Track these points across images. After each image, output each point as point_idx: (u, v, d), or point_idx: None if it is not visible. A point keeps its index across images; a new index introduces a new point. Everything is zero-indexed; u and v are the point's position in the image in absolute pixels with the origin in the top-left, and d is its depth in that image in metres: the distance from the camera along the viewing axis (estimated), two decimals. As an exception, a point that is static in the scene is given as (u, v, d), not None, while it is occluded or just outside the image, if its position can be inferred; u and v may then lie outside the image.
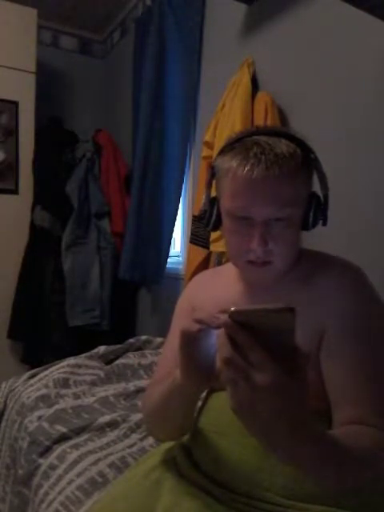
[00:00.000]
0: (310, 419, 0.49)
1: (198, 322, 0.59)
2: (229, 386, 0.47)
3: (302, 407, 0.48)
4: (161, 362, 0.89)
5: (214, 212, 0.77)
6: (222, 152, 0.74)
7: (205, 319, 0.58)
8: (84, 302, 2.60)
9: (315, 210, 0.73)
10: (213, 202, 0.77)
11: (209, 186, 0.79)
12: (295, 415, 0.47)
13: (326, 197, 0.75)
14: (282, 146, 0.69)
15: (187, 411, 0.74)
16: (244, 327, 0.46)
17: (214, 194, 0.78)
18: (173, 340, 0.86)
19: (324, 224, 0.76)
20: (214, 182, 0.78)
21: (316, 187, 0.76)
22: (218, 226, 0.78)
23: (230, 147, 0.72)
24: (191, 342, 0.61)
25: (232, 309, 0.46)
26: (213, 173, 0.77)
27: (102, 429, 1.20)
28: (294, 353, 0.47)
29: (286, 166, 0.67)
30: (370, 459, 0.58)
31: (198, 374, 0.63)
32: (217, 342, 0.49)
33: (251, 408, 0.46)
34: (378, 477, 0.60)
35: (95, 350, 1.79)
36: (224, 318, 0.50)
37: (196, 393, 0.69)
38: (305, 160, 0.71)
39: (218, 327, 0.55)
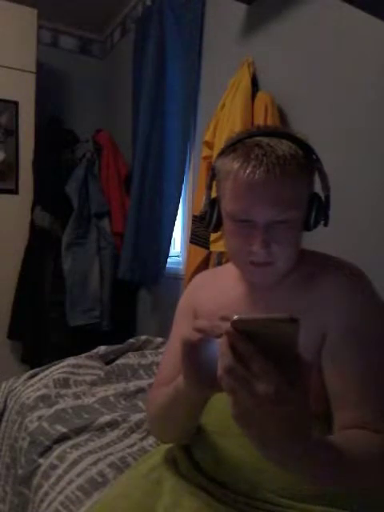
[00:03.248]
0: (312, 427, 0.49)
1: (199, 330, 0.59)
2: (230, 395, 0.47)
3: (304, 417, 0.48)
4: (162, 365, 0.88)
5: (215, 213, 0.76)
6: (223, 153, 0.73)
7: (205, 328, 0.57)
8: (84, 302, 2.60)
9: (317, 211, 0.73)
10: (213, 202, 0.77)
11: (209, 187, 0.79)
12: (297, 425, 0.47)
13: (327, 197, 0.74)
14: (284, 147, 0.68)
15: (191, 417, 0.74)
16: (246, 336, 0.46)
17: (214, 194, 0.78)
18: (174, 342, 0.86)
19: (325, 225, 0.75)
20: (214, 183, 0.78)
21: (317, 187, 0.75)
22: (218, 226, 0.78)
23: (230, 148, 0.71)
24: (193, 351, 0.60)
25: (235, 317, 0.46)
26: (213, 174, 0.76)
27: (102, 429, 1.20)
28: (296, 362, 0.46)
29: (288, 167, 0.66)
30: (371, 464, 0.58)
31: (201, 382, 0.62)
32: (218, 350, 0.49)
33: (252, 417, 0.46)
34: (380, 480, 0.60)
35: (95, 350, 1.79)
36: (225, 325, 0.50)
37: (200, 399, 0.69)
38: (306, 161, 0.70)
39: (218, 336, 0.54)
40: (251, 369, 0.45)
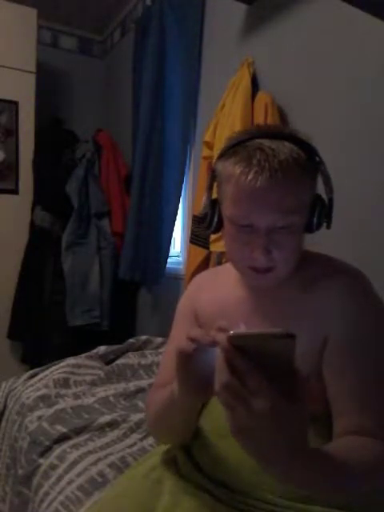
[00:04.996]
0: (308, 441, 0.49)
1: (193, 340, 0.59)
2: (227, 410, 0.47)
3: (301, 431, 0.48)
4: (162, 366, 0.88)
5: (215, 215, 0.75)
6: (223, 155, 0.71)
7: (199, 338, 0.57)
8: (84, 302, 2.59)
9: (319, 214, 0.71)
10: (214, 204, 0.76)
11: (209, 188, 0.77)
12: (294, 440, 0.47)
13: (330, 200, 0.73)
14: (286, 150, 0.66)
15: (188, 420, 0.74)
16: (242, 351, 0.46)
17: (214, 195, 0.77)
18: (174, 344, 0.86)
19: (328, 227, 0.74)
20: (214, 185, 0.76)
21: (320, 188, 0.74)
22: (219, 228, 0.76)
23: (231, 150, 0.69)
24: (188, 361, 0.60)
25: (230, 332, 0.46)
26: (214, 176, 0.75)
27: (102, 429, 1.20)
28: (292, 377, 0.47)
29: (290, 173, 0.65)
30: (369, 474, 0.58)
31: (195, 390, 0.63)
32: (215, 360, 0.49)
33: (249, 433, 0.46)
34: (379, 488, 0.60)
35: (95, 350, 1.79)
36: (219, 336, 0.50)
37: (195, 406, 0.69)
38: (309, 164, 0.68)
39: (211, 345, 0.55)
40: (248, 385, 0.46)
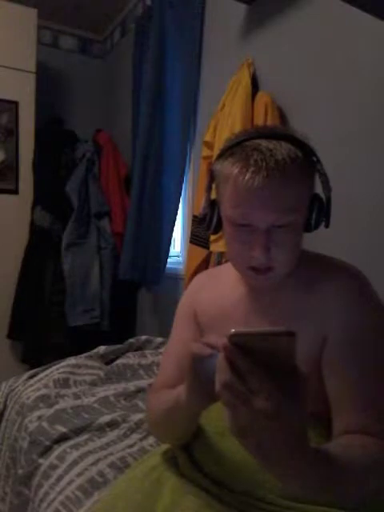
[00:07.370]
0: (309, 439, 0.49)
1: (209, 345, 0.59)
2: (228, 409, 0.47)
3: (302, 430, 0.48)
4: (162, 366, 0.88)
5: (215, 215, 0.76)
6: (222, 156, 0.72)
7: (216, 344, 0.57)
8: (84, 302, 2.60)
9: (318, 213, 0.72)
10: (213, 204, 0.76)
11: (209, 189, 0.78)
12: (295, 438, 0.47)
13: (328, 199, 0.73)
14: (283, 150, 0.66)
15: (191, 422, 0.74)
16: (243, 350, 0.46)
17: (213, 196, 0.77)
18: (174, 344, 0.86)
19: (326, 226, 0.74)
20: (213, 185, 0.77)
21: (318, 188, 0.75)
22: (218, 229, 0.77)
23: (229, 151, 0.70)
24: (201, 365, 0.60)
25: (231, 331, 0.46)
26: (212, 176, 0.75)
27: (102, 429, 1.20)
28: (293, 375, 0.46)
29: (288, 172, 0.65)
30: (369, 473, 0.58)
31: (203, 395, 0.62)
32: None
33: (250, 432, 0.46)
34: (380, 488, 0.60)
35: (95, 350, 1.79)
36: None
37: (200, 411, 0.69)
38: (307, 163, 0.69)
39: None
40: (249, 384, 0.46)
